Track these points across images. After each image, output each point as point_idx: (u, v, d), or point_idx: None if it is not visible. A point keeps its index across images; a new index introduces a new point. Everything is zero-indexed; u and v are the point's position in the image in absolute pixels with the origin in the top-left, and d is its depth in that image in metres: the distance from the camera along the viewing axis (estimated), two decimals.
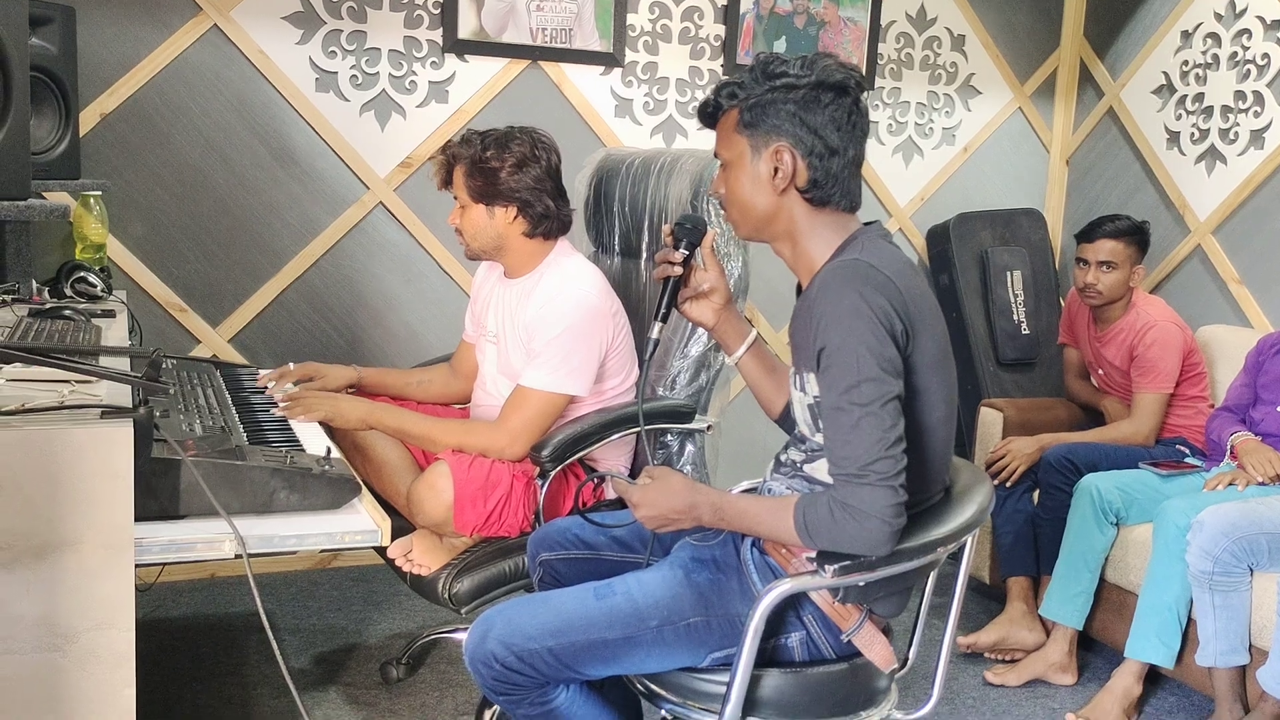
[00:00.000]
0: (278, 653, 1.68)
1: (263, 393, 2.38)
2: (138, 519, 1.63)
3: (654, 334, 1.77)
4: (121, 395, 1.75)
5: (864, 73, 3.89)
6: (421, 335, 3.47)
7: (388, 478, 2.44)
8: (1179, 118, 3.81)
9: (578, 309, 2.30)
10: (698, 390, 2.47)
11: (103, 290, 2.73)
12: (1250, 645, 2.58)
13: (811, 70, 1.59)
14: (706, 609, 1.65)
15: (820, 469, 1.66)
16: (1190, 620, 2.69)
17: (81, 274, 2.73)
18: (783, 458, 1.76)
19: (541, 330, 2.31)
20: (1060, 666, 2.93)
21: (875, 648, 1.63)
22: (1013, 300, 3.99)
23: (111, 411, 1.62)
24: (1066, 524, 2.96)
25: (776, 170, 1.61)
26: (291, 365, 2.51)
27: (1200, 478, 2.96)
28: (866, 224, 1.68)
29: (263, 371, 2.52)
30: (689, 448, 2.47)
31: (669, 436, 2.48)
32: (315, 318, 3.38)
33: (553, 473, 2.23)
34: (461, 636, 2.93)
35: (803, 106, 1.59)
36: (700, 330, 2.42)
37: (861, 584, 1.55)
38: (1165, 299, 3.43)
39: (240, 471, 1.76)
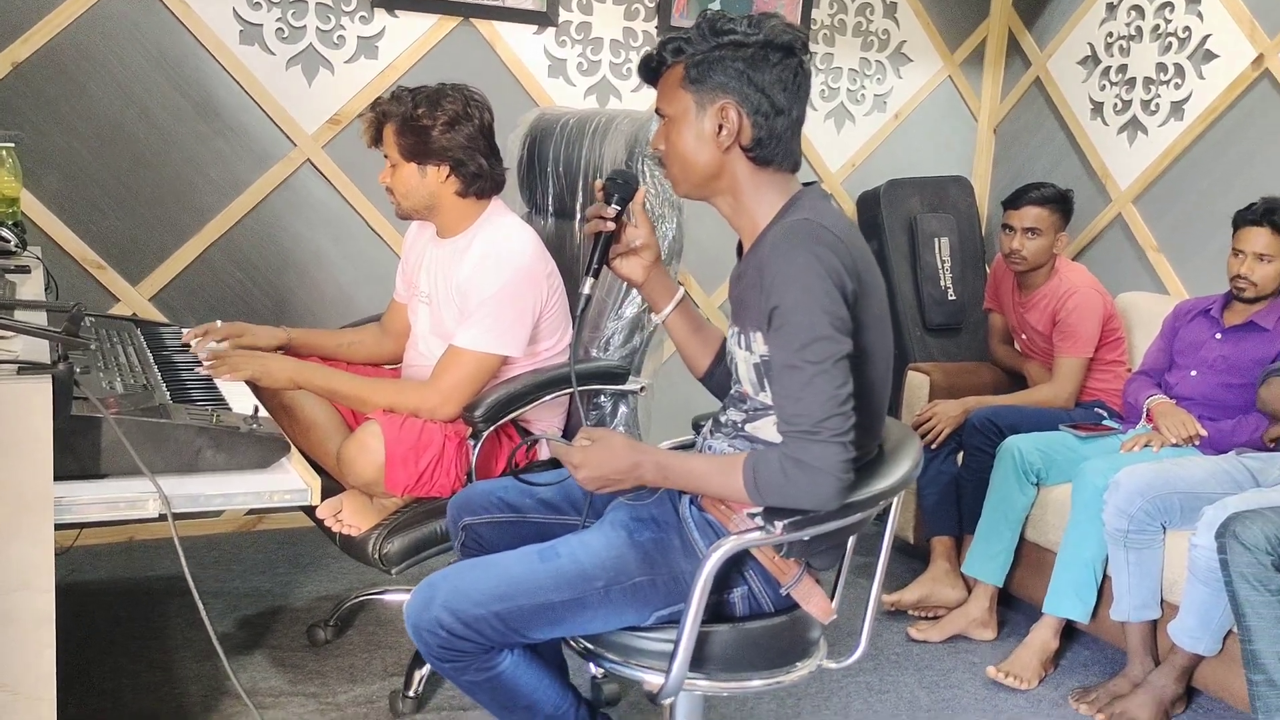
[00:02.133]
0: (203, 613, 1.66)
1: (186, 350, 2.33)
2: (57, 478, 1.58)
3: (585, 289, 1.77)
4: (39, 351, 1.70)
5: None
6: (351, 295, 3.42)
7: (316, 438, 2.40)
8: (1103, 88, 3.88)
9: (511, 269, 2.28)
10: (631, 351, 2.47)
11: (16, 245, 2.63)
12: (1162, 600, 2.68)
13: (759, 29, 1.58)
14: (651, 568, 1.66)
15: (763, 428, 1.67)
16: (1105, 577, 2.77)
17: None
18: (722, 419, 1.76)
19: (474, 290, 2.28)
20: (981, 622, 3.01)
21: (813, 600, 1.65)
22: (940, 266, 4.05)
23: (29, 367, 1.57)
24: (989, 484, 3.03)
25: (721, 127, 1.61)
26: (219, 323, 2.45)
27: (1117, 439, 3.05)
28: (806, 184, 1.69)
29: (186, 330, 2.46)
30: (622, 409, 2.47)
31: (602, 398, 2.48)
32: (240, 277, 3.30)
33: (485, 433, 2.22)
34: (392, 598, 2.92)
35: (750, 65, 1.58)
36: (635, 291, 2.42)
37: (806, 539, 1.57)
38: (1087, 266, 3.51)
39: (164, 430, 1.73)
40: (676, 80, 1.63)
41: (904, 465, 1.68)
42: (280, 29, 3.22)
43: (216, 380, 2.15)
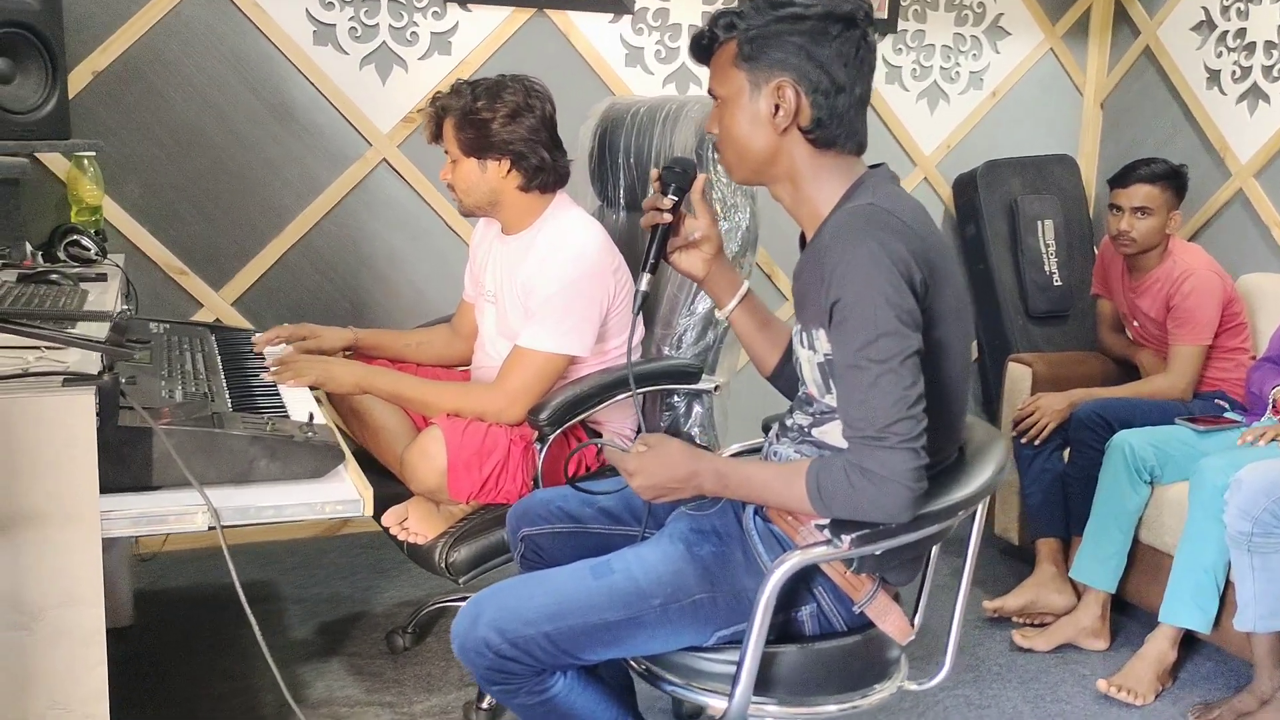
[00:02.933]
0: (253, 623, 1.62)
1: (259, 357, 2.31)
2: (109, 490, 1.56)
3: (642, 285, 1.66)
4: (91, 363, 1.67)
5: (887, 15, 3.73)
6: (427, 294, 3.38)
7: (385, 442, 2.36)
8: (1219, 55, 3.62)
9: (576, 265, 2.20)
10: (705, 348, 2.36)
11: (97, 253, 2.65)
12: None
13: (818, 0, 1.46)
14: (712, 585, 1.55)
15: (831, 433, 1.55)
16: (1228, 583, 2.56)
17: (75, 237, 2.65)
18: (788, 422, 1.64)
19: (539, 288, 2.20)
20: (1092, 631, 2.82)
21: (890, 618, 1.53)
22: (1044, 250, 3.83)
23: (74, 379, 1.54)
24: (1098, 483, 2.84)
25: (778, 108, 1.49)
26: (286, 326, 2.43)
27: (1239, 433, 2.82)
28: (872, 167, 1.55)
29: (259, 335, 2.44)
30: (696, 409, 2.36)
31: (675, 398, 2.37)
32: (319, 279, 3.29)
33: (551, 437, 2.13)
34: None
35: (809, 39, 1.46)
36: None
37: (878, 553, 1.44)
38: (1204, 246, 3.26)
39: (216, 439, 1.69)
40: (729, 58, 1.51)
41: (987, 470, 1.54)
42: (353, 28, 3.19)
43: (281, 386, 2.11)
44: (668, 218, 1.67)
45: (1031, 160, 3.93)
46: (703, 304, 2.35)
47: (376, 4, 3.20)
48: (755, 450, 1.84)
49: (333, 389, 2.21)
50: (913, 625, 1.58)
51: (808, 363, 1.53)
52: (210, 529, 1.60)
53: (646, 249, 1.69)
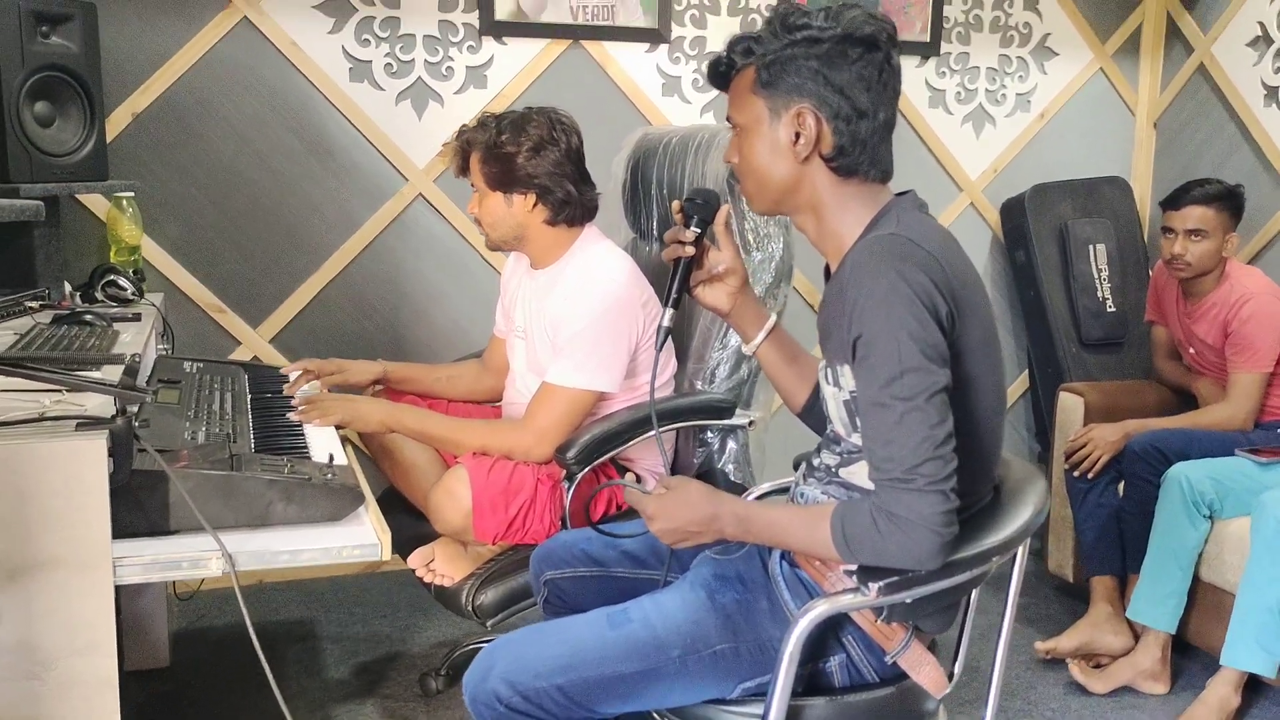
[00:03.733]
0: (267, 670, 1.59)
1: (288, 396, 2.29)
2: (126, 535, 1.54)
3: (665, 322, 1.61)
4: (108, 406, 1.66)
5: (929, 38, 3.67)
6: (467, 330, 3.35)
7: (415, 481, 2.33)
8: (1277, 71, 3.49)
9: (605, 299, 2.15)
10: (739, 383, 2.29)
11: (133, 293, 2.67)
12: None
13: (837, 22, 1.40)
14: (735, 634, 1.48)
15: (859, 473, 1.48)
16: None
17: (112, 277, 2.67)
18: (815, 461, 1.57)
19: (567, 323, 2.16)
20: (1150, 674, 2.69)
21: (924, 669, 1.45)
22: (1096, 276, 3.72)
23: (87, 423, 1.52)
24: (1155, 518, 2.72)
25: (798, 135, 1.43)
26: (314, 361, 2.41)
27: None
28: (899, 194, 1.49)
29: (286, 367, 2.43)
30: (730, 445, 2.30)
31: (709, 434, 2.31)
32: (357, 315, 3.29)
33: (580, 475, 2.08)
34: None
35: (827, 63, 1.40)
36: None
37: (908, 601, 1.37)
38: (1264, 269, 3.14)
39: (232, 483, 1.66)
40: (748, 85, 1.46)
41: (1025, 512, 1.45)
42: (389, 64, 3.19)
43: (306, 425, 2.09)
44: (690, 250, 1.62)
45: (1082, 183, 3.83)
46: (736, 337, 2.28)
47: (412, 39, 3.20)
48: (786, 489, 1.78)
49: (360, 428, 2.18)
50: (951, 675, 1.50)
51: (833, 400, 1.46)
52: (225, 574, 1.57)
53: (669, 283, 1.64)
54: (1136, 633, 2.79)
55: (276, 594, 3.22)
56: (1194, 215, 2.93)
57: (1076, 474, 2.94)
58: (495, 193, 2.22)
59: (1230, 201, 2.96)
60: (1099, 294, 3.72)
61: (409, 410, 2.24)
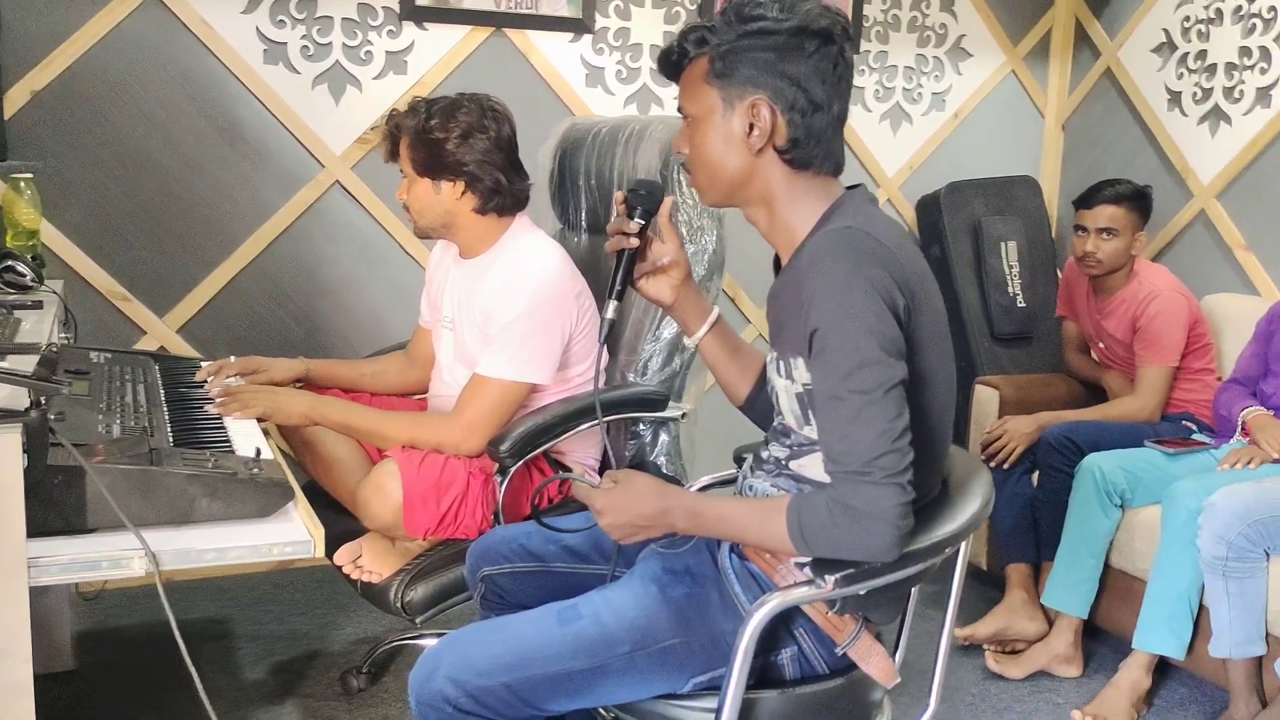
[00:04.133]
0: (193, 671, 1.52)
1: (202, 387, 2.20)
2: (39, 534, 1.46)
3: (609, 313, 1.59)
4: (18, 398, 1.57)
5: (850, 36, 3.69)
6: (385, 320, 3.28)
7: (338, 476, 2.26)
8: (1180, 77, 3.62)
9: (538, 291, 2.12)
10: (671, 375, 2.28)
11: (33, 280, 2.53)
12: (1267, 634, 2.42)
13: (792, 14, 1.39)
14: (686, 629, 1.47)
15: (810, 465, 1.48)
16: (1202, 608, 2.52)
17: (9, 263, 2.53)
18: (764, 454, 1.56)
19: (498, 314, 2.12)
20: (1065, 658, 2.77)
21: (873, 659, 1.45)
22: (1008, 272, 3.81)
23: None
24: (1068, 507, 2.79)
25: (752, 127, 1.42)
26: (232, 358, 2.32)
27: (1209, 456, 2.80)
28: (849, 188, 1.49)
29: (205, 364, 2.34)
30: (663, 438, 2.29)
31: (641, 426, 2.30)
32: (271, 305, 3.19)
33: (513, 469, 2.05)
34: (429, 643, 2.76)
35: (782, 55, 1.39)
36: None
37: (862, 593, 1.37)
38: (1167, 267, 3.25)
39: (153, 478, 1.58)
40: (700, 75, 1.44)
41: (972, 504, 1.47)
42: (305, 47, 3.10)
43: (227, 419, 2.01)
44: (634, 242, 1.59)
45: (994, 181, 3.92)
46: (668, 329, 2.28)
47: (330, 22, 3.11)
48: (727, 483, 1.77)
49: (281, 420, 2.11)
50: (895, 668, 1.51)
51: (785, 393, 1.46)
52: (148, 574, 1.50)
53: (612, 275, 1.61)
54: (1050, 618, 2.86)
55: (189, 592, 3.11)
56: (1105, 214, 3.02)
57: (992, 465, 3.00)
58: (423, 179, 2.17)
59: (1140, 202, 3.05)
60: (1010, 289, 3.81)
61: (332, 403, 2.18)
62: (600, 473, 2.26)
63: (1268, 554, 2.40)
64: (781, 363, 1.45)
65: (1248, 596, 2.40)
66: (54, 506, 1.52)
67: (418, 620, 2.04)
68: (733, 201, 1.51)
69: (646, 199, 1.60)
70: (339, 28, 3.12)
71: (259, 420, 2.01)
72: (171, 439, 1.86)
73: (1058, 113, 4.08)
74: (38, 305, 2.37)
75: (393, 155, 2.23)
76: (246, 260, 3.13)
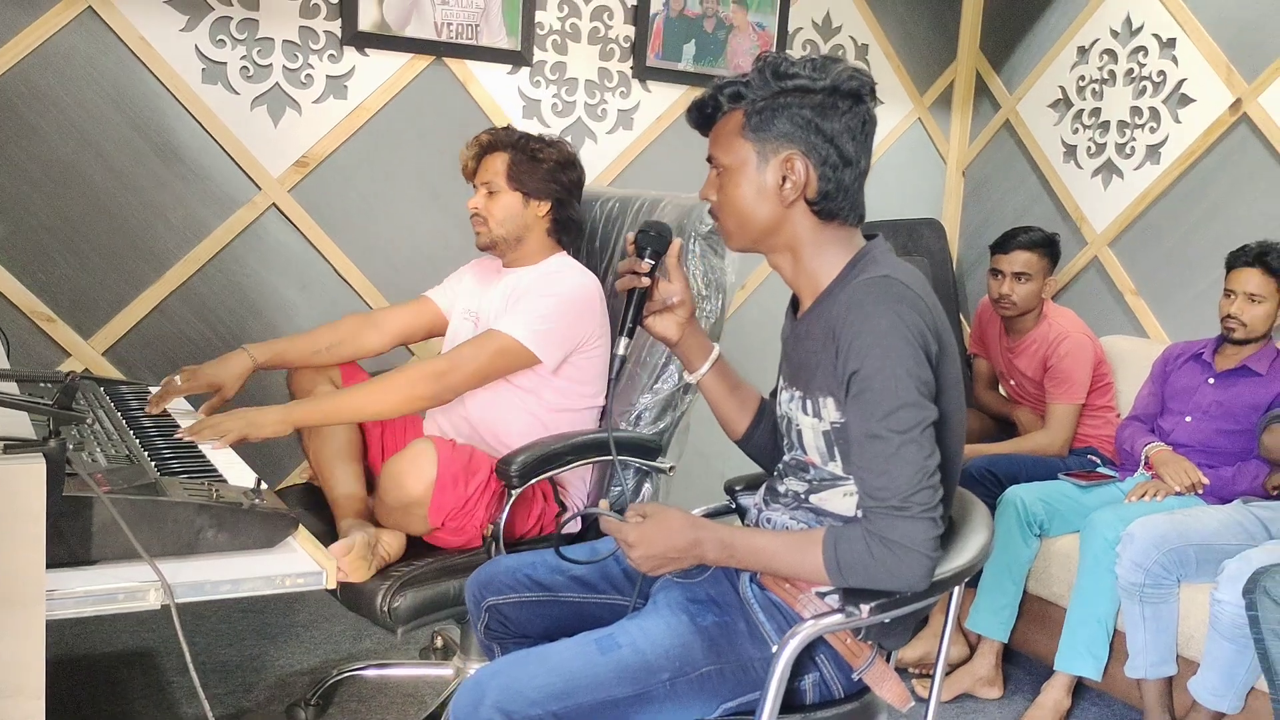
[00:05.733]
0: (206, 706, 1.49)
1: (155, 412, 2.15)
2: (49, 566, 1.42)
3: (621, 349, 1.65)
4: (19, 426, 1.53)
5: None
6: None
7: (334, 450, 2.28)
8: (1075, 131, 3.88)
9: (575, 289, 2.25)
10: (660, 431, 2.32)
11: None
12: (1178, 656, 2.61)
13: (825, 74, 1.49)
14: (718, 656, 1.52)
15: (830, 499, 1.56)
16: (1118, 632, 2.70)
17: None
18: (780, 488, 1.64)
19: (531, 294, 2.24)
20: (987, 680, 2.92)
21: (886, 684, 1.54)
22: None
23: (16, 445, 1.40)
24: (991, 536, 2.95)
25: (785, 180, 1.51)
26: (177, 378, 2.25)
27: (1117, 488, 3.00)
28: (868, 237, 1.59)
29: (151, 393, 2.27)
30: (646, 487, 2.33)
31: (628, 472, 2.33)
32: (201, 327, 3.11)
33: (518, 491, 2.08)
34: (371, 674, 2.74)
35: (819, 113, 1.49)
36: (671, 368, 2.32)
37: (887, 620, 1.45)
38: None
39: (161, 509, 1.57)
40: (735, 128, 1.52)
41: (980, 535, 1.58)
42: (245, 68, 3.06)
43: (201, 445, 1.98)
44: (645, 282, 1.65)
45: (904, 223, 4.11)
46: (667, 384, 2.33)
47: (270, 44, 3.08)
48: (720, 513, 1.84)
49: (260, 436, 2.07)
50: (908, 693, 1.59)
51: (811, 430, 1.53)
52: (163, 607, 1.48)
53: (624, 313, 1.67)
54: (971, 643, 3.01)
55: (102, 623, 2.99)
56: (1020, 259, 3.21)
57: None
58: (515, 192, 2.29)
59: (1050, 249, 3.26)
60: None
61: (303, 403, 2.17)
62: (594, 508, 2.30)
63: (1179, 580, 2.59)
64: (808, 401, 1.53)
65: (1161, 620, 2.59)
66: (60, 539, 1.49)
67: (399, 630, 2.02)
68: (758, 248, 1.58)
69: (656, 240, 1.66)
70: (280, 50, 3.09)
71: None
72: (155, 468, 1.83)
73: (958, 159, 4.31)
74: None
75: (474, 171, 2.36)
76: (178, 281, 3.06)
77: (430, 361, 2.17)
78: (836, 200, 1.51)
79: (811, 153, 1.49)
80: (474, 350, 2.16)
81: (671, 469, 2.32)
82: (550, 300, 2.21)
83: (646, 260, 1.66)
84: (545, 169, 2.29)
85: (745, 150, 1.52)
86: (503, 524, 2.07)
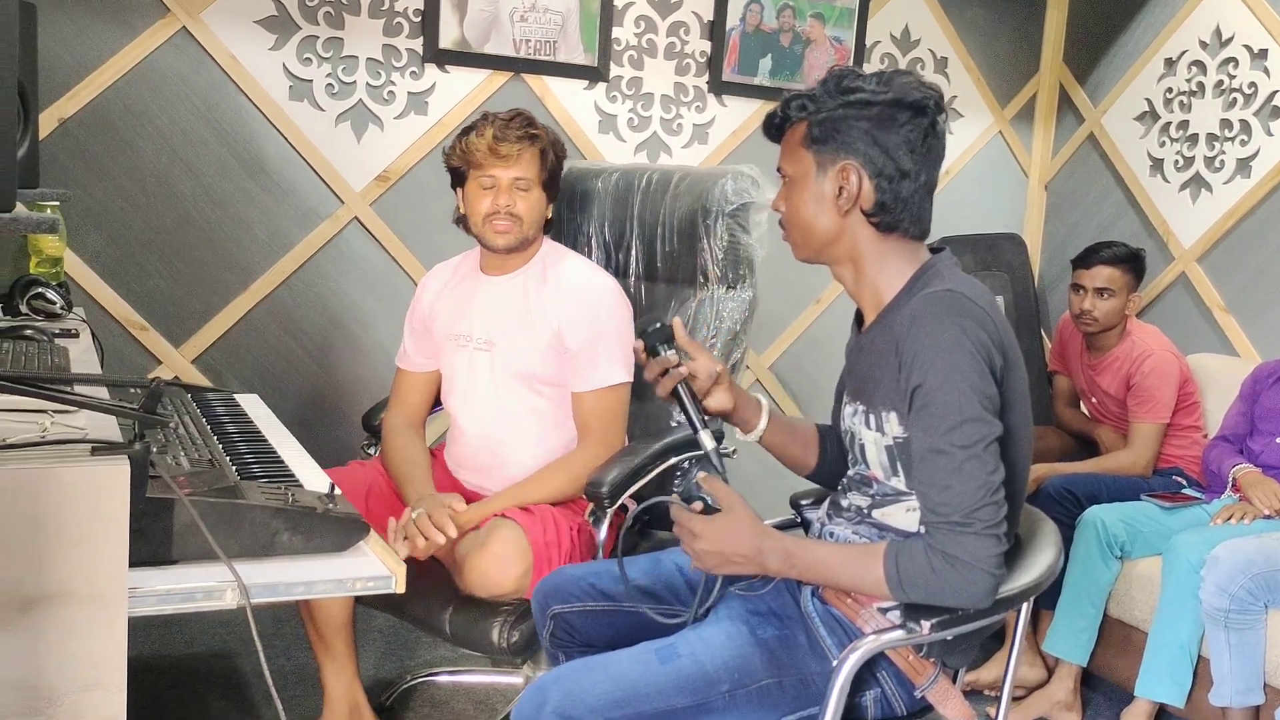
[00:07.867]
0: (279, 707, 1.52)
1: (236, 419, 2.21)
2: (131, 565, 1.48)
3: (711, 444, 1.64)
4: (106, 428, 1.59)
5: None
6: (394, 353, 3.28)
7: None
8: (1162, 145, 3.79)
9: (613, 296, 2.25)
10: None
11: (61, 307, 2.53)
12: (1265, 684, 2.53)
13: (889, 87, 1.49)
14: (779, 669, 1.52)
15: (893, 514, 1.55)
16: (1201, 658, 2.63)
17: (39, 290, 2.53)
18: (843, 502, 1.63)
19: (587, 321, 2.19)
20: (1065, 705, 2.85)
21: (950, 702, 1.52)
22: None
23: (103, 447, 1.45)
24: (1070, 557, 2.89)
25: (841, 190, 1.51)
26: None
27: (1202, 510, 2.92)
28: (933, 250, 1.58)
29: (238, 396, 2.33)
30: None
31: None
32: (285, 337, 3.20)
33: (611, 510, 2.07)
34: (444, 680, 2.78)
35: (877, 124, 1.49)
36: (715, 350, 2.32)
37: (950, 637, 1.44)
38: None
39: (240, 511, 1.61)
40: (799, 139, 1.54)
41: (1048, 554, 1.56)
42: (330, 85, 3.14)
43: (282, 451, 2.03)
44: (685, 371, 1.65)
45: (983, 238, 4.05)
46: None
47: (355, 61, 3.16)
48: (785, 527, 1.83)
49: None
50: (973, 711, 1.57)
51: (874, 445, 1.53)
52: (239, 607, 1.53)
53: (685, 411, 1.66)
54: (1049, 666, 2.95)
55: (186, 624, 3.07)
56: (1103, 275, 3.15)
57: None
58: (544, 191, 2.27)
59: (1135, 264, 3.19)
60: None
61: (480, 506, 2.16)
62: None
63: (1267, 606, 2.51)
64: (871, 415, 1.52)
65: (1248, 647, 2.51)
66: (143, 538, 1.54)
67: (520, 661, 2.06)
68: (822, 259, 1.59)
69: (661, 332, 1.66)
70: (364, 67, 3.17)
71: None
72: (235, 471, 1.88)
73: (1041, 174, 4.24)
74: (70, 334, 2.37)
75: (509, 157, 2.21)
76: (264, 293, 3.15)
77: (598, 449, 2.16)
78: (895, 212, 1.51)
79: (867, 164, 1.50)
80: (609, 421, 2.18)
81: (735, 451, 2.31)
82: (608, 323, 2.20)
83: (669, 355, 1.66)
84: (560, 169, 2.30)
85: (807, 161, 1.53)
86: (602, 544, 2.06)
